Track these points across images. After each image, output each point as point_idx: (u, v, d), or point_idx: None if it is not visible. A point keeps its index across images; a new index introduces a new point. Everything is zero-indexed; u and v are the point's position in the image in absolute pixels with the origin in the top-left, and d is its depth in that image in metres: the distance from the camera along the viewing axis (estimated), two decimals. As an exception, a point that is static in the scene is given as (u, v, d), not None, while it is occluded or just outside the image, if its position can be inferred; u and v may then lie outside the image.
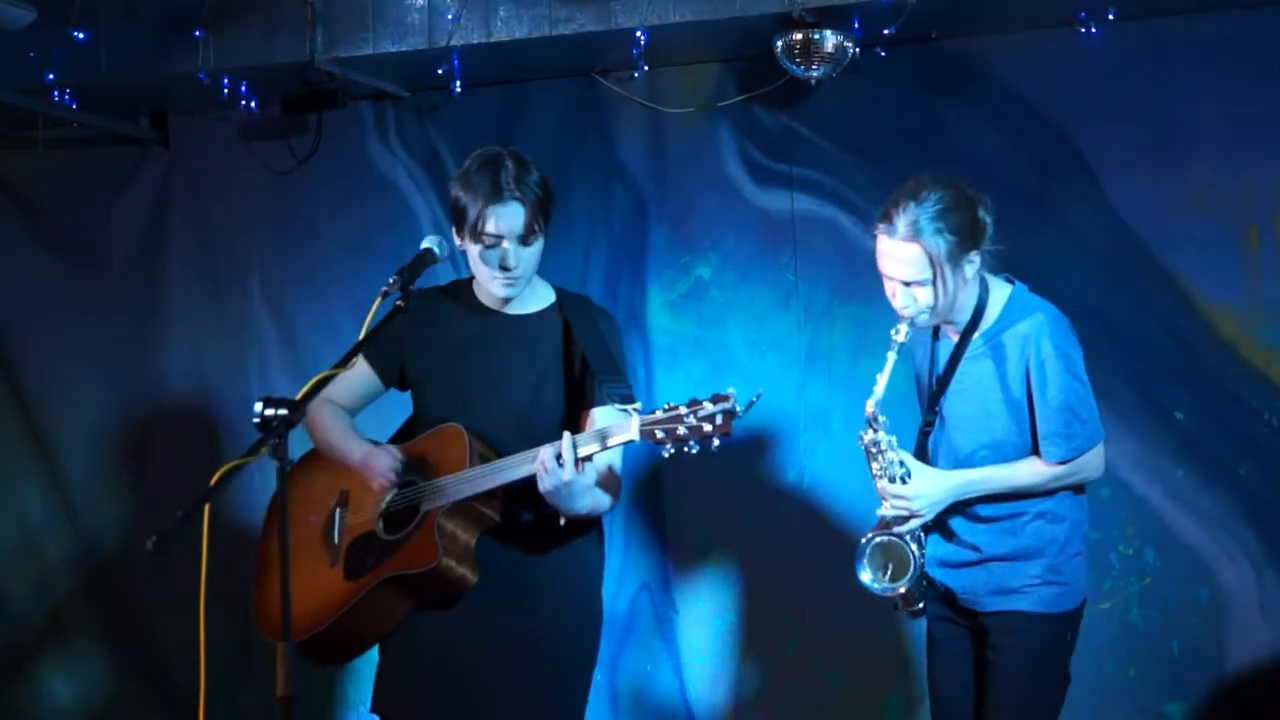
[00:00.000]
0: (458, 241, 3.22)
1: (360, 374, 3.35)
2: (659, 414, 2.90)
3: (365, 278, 4.77)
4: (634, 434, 2.92)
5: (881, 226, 3.15)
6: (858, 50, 4.33)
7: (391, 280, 3.10)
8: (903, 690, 4.50)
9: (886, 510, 3.24)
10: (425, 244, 3.25)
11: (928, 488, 3.20)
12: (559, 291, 3.32)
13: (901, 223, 3.09)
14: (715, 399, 2.87)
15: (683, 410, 2.88)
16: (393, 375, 3.37)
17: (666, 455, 2.91)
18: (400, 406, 3.48)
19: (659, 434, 2.88)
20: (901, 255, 3.11)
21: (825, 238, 4.62)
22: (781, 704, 4.63)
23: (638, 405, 2.96)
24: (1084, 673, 4.26)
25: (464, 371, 3.25)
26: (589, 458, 2.99)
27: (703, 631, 4.71)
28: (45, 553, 5.25)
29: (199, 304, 5.14)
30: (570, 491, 2.99)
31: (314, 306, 5.03)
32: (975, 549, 3.26)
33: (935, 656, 3.42)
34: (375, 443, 3.33)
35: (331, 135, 5.00)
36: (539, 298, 3.30)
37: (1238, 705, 4.26)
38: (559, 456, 2.96)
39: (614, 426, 2.99)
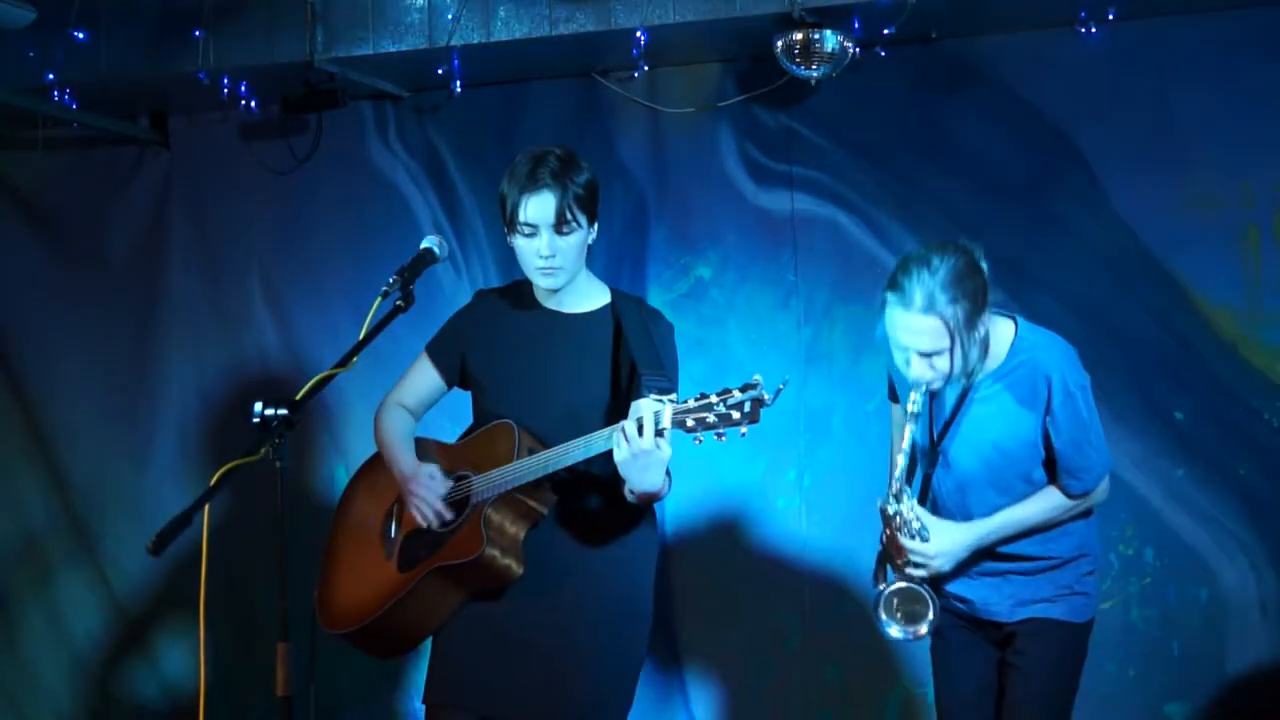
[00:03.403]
0: (509, 238, 3.25)
1: (425, 375, 3.42)
2: (690, 403, 2.92)
3: (365, 278, 4.77)
4: (666, 422, 2.93)
5: (894, 296, 3.06)
6: (858, 50, 4.33)
7: (391, 280, 3.11)
8: (903, 689, 4.51)
9: (907, 570, 3.20)
10: (425, 244, 3.26)
11: (947, 544, 3.18)
12: (615, 293, 3.35)
13: (918, 294, 3.01)
14: (744, 387, 2.88)
15: (713, 399, 2.90)
16: (455, 375, 3.42)
17: (696, 444, 2.94)
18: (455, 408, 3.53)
19: (690, 422, 2.91)
20: (920, 327, 3.04)
21: (825, 238, 4.62)
22: (782, 703, 4.63)
23: (674, 396, 2.98)
24: (1084, 673, 4.27)
25: (519, 369, 3.29)
26: (661, 433, 2.97)
27: (703, 632, 4.71)
28: (45, 553, 5.26)
29: (199, 304, 5.14)
30: (647, 463, 2.97)
31: (314, 306, 5.03)
32: (1000, 560, 3.25)
33: (946, 663, 3.38)
34: (428, 442, 3.40)
35: (331, 135, 5.00)
36: (594, 298, 3.33)
37: (1238, 705, 4.26)
38: (639, 427, 2.95)
39: (649, 413, 2.99)
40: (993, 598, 3.27)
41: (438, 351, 3.41)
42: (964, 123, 4.51)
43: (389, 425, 3.42)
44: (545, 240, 3.16)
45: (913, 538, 3.18)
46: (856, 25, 4.24)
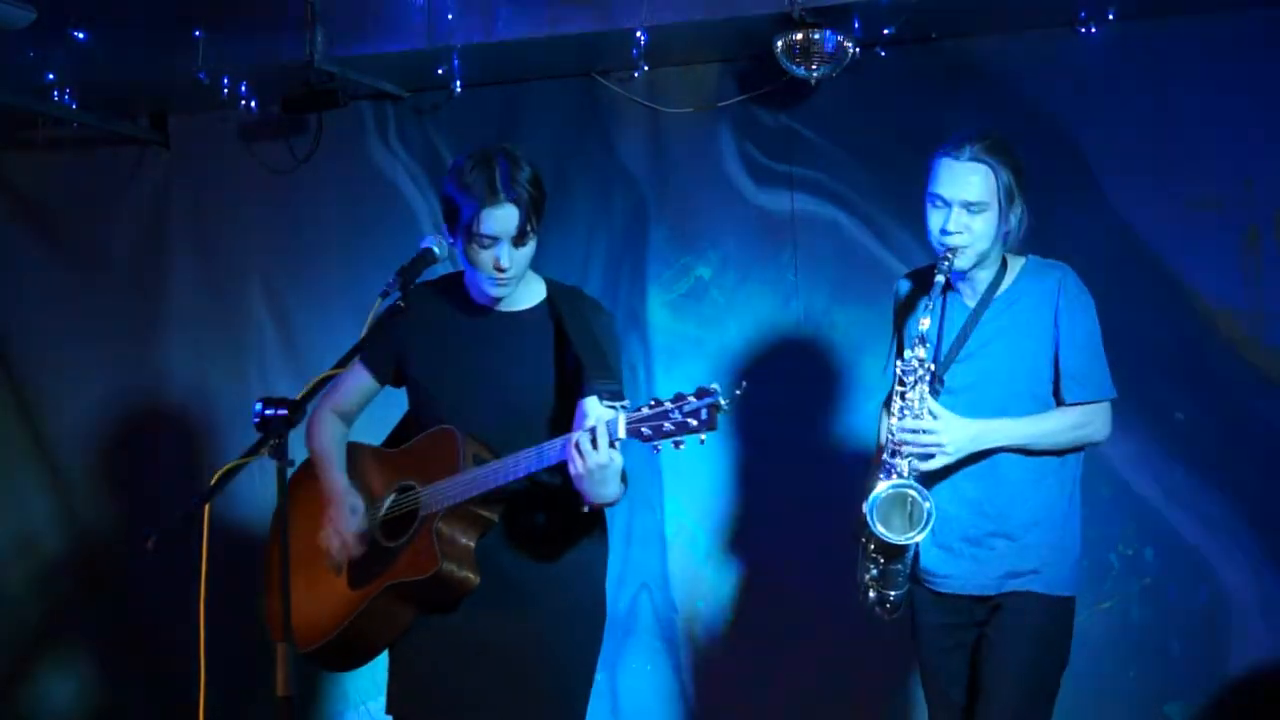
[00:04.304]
0: (449, 238, 3.20)
1: (357, 378, 3.35)
2: (644, 410, 2.87)
3: (365, 278, 4.77)
4: (620, 432, 2.89)
5: (944, 149, 3.26)
6: (858, 50, 4.33)
7: (391, 280, 3.09)
8: (903, 690, 4.50)
9: (909, 450, 3.21)
10: (425, 244, 3.24)
11: (956, 428, 3.21)
12: (550, 284, 3.29)
13: (968, 147, 3.21)
14: (699, 393, 2.83)
15: (668, 406, 2.84)
16: (388, 375, 3.35)
17: (655, 452, 2.89)
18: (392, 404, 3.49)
19: (646, 431, 2.86)
20: (967, 177, 3.20)
21: (825, 238, 4.62)
22: (782, 704, 4.62)
23: (625, 403, 2.92)
24: (1084, 673, 4.26)
25: (457, 370, 3.23)
26: (614, 443, 2.93)
27: (703, 631, 4.71)
28: (45, 552, 5.26)
29: (199, 304, 5.14)
30: (604, 475, 2.94)
31: (314, 306, 5.03)
32: (986, 519, 3.25)
33: (933, 669, 3.38)
34: (364, 448, 3.35)
35: (331, 135, 5.00)
36: (531, 293, 3.27)
37: (1238, 705, 4.26)
38: (593, 440, 2.91)
39: (602, 424, 2.94)
40: (976, 571, 3.27)
41: (370, 352, 3.29)
42: (964, 123, 4.45)
43: (322, 439, 3.35)
44: (505, 253, 3.10)
45: (919, 418, 3.21)
46: (856, 25, 4.24)
